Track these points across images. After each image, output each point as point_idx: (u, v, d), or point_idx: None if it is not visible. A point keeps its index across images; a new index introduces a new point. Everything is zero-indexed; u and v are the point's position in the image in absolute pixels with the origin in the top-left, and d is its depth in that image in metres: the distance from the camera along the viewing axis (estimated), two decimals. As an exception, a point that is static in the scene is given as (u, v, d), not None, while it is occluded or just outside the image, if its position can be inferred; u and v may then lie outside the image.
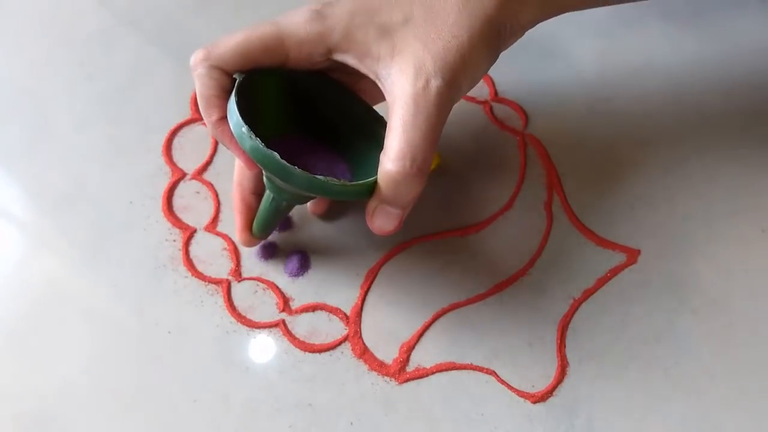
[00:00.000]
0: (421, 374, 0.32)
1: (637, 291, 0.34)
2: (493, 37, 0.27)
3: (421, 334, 0.33)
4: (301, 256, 0.35)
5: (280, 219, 0.33)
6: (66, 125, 0.40)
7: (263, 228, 0.33)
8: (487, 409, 0.31)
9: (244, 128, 0.26)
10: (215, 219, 0.36)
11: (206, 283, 0.34)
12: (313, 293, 0.34)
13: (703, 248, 0.35)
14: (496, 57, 0.28)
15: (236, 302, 0.34)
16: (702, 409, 0.31)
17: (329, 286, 0.34)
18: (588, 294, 0.34)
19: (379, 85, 0.27)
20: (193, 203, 0.37)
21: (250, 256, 0.35)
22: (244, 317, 0.33)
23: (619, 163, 0.38)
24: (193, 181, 0.38)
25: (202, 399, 0.31)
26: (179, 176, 0.38)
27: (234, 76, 0.28)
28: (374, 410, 0.31)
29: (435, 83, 0.25)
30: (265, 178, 0.30)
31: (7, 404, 0.31)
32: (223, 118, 0.27)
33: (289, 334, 0.33)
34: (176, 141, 0.39)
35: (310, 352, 0.32)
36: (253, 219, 0.33)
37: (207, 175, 0.38)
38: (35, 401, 0.31)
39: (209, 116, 0.28)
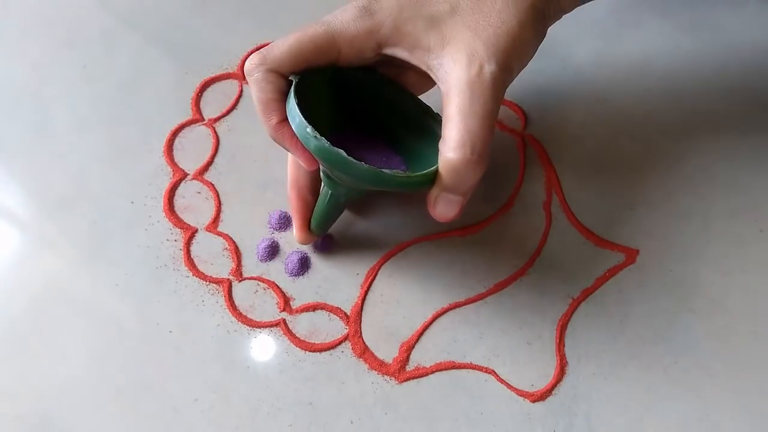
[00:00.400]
0: (421, 373, 0.32)
1: (636, 291, 0.34)
2: (538, 20, 0.28)
3: (420, 334, 0.33)
4: (301, 256, 0.35)
5: (338, 215, 0.33)
6: (67, 125, 0.40)
7: (322, 224, 0.33)
8: (486, 408, 0.31)
9: (309, 128, 0.26)
10: (216, 219, 0.36)
11: (207, 282, 0.34)
12: (314, 293, 0.34)
13: (701, 248, 0.35)
14: (542, 40, 0.29)
15: (237, 302, 0.34)
16: (701, 408, 0.31)
17: (329, 286, 0.34)
18: (587, 294, 0.34)
19: (432, 75, 0.28)
20: (194, 203, 0.37)
21: (251, 256, 0.35)
22: (245, 317, 0.33)
23: (618, 164, 0.38)
24: (194, 181, 0.38)
25: (202, 398, 0.31)
26: (180, 176, 0.38)
27: (290, 77, 0.29)
28: (374, 409, 0.31)
29: (489, 68, 0.26)
30: (322, 175, 0.30)
31: (7, 404, 0.31)
32: (283, 121, 0.28)
33: (289, 333, 0.33)
34: (177, 141, 0.39)
35: (310, 351, 0.32)
36: (311, 217, 0.33)
37: (208, 175, 0.38)
38: (35, 401, 0.31)
39: (269, 119, 0.28)
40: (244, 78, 0.42)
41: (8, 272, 0.35)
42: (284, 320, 0.33)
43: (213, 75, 0.42)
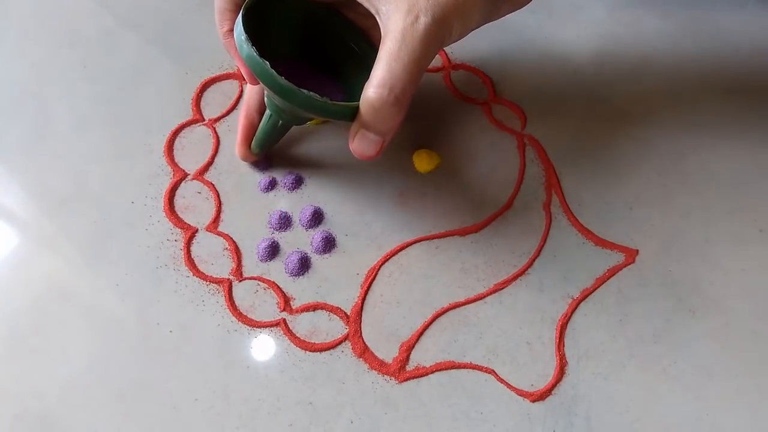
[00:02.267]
0: (421, 373, 0.32)
1: (636, 290, 0.34)
2: None
3: (420, 334, 0.33)
4: (301, 256, 0.35)
5: (277, 138, 0.35)
6: (67, 126, 0.40)
7: (260, 144, 0.35)
8: (486, 408, 0.31)
9: (244, 36, 0.27)
10: (216, 219, 0.36)
11: (207, 282, 0.34)
12: (314, 293, 0.34)
13: (701, 248, 0.35)
14: (492, 13, 0.30)
15: (237, 302, 0.34)
16: (700, 408, 0.31)
17: (329, 286, 0.34)
18: (586, 293, 0.34)
19: (378, 20, 0.29)
20: (195, 203, 0.37)
21: (251, 256, 0.35)
22: (245, 317, 0.33)
23: (617, 164, 0.38)
24: (195, 181, 0.38)
25: (203, 398, 0.31)
26: (181, 176, 0.38)
27: None
28: (374, 409, 0.31)
29: (424, 20, 0.27)
30: (266, 97, 0.33)
31: (7, 404, 0.31)
32: (231, 31, 0.30)
33: (289, 333, 0.33)
34: (178, 141, 0.39)
35: (310, 351, 0.32)
36: (253, 136, 0.36)
37: (208, 175, 0.38)
38: (35, 401, 0.31)
39: (221, 27, 0.31)
40: (244, 79, 0.42)
41: (8, 272, 0.35)
42: (284, 320, 0.33)
43: (213, 75, 0.42)
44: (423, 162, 0.38)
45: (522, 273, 0.35)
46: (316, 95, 0.27)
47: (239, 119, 0.36)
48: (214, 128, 0.40)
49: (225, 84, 0.42)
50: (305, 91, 0.27)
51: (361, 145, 0.29)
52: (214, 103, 0.41)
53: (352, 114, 0.28)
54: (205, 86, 0.41)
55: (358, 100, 0.28)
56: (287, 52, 0.28)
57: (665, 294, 0.34)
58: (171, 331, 0.33)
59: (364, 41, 0.34)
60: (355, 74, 0.34)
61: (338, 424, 0.30)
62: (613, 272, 0.34)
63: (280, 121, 0.33)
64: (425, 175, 0.38)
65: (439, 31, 0.27)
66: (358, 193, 0.37)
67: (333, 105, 0.28)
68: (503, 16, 0.31)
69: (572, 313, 0.33)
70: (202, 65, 0.42)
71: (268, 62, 0.27)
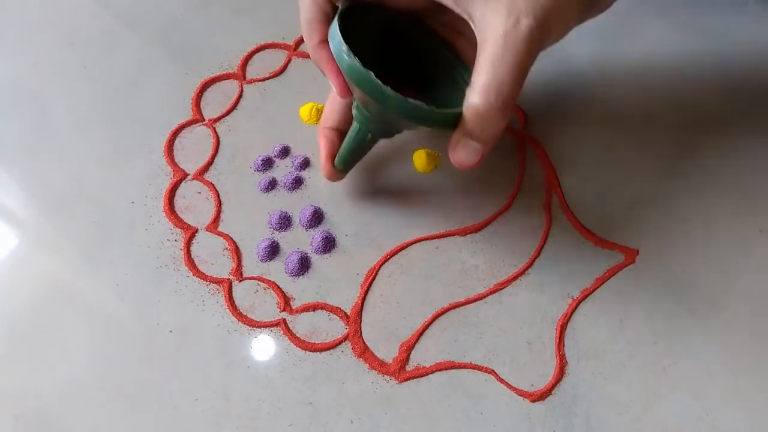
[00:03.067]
0: (421, 373, 0.32)
1: (636, 290, 0.34)
2: None
3: (420, 334, 0.33)
4: (301, 256, 0.35)
5: (363, 153, 0.34)
6: (68, 126, 0.40)
7: (346, 161, 0.34)
8: (486, 408, 0.31)
9: (344, 47, 0.27)
10: (216, 219, 0.36)
11: (207, 282, 0.34)
12: (314, 293, 0.34)
13: (701, 248, 0.35)
14: (587, 13, 0.29)
15: (237, 302, 0.34)
16: (700, 408, 0.31)
17: (329, 286, 0.34)
18: (587, 293, 0.34)
19: (471, 25, 0.28)
20: (195, 203, 0.37)
21: (251, 256, 0.35)
22: (245, 317, 0.33)
23: (617, 164, 0.38)
24: (195, 181, 0.38)
25: (203, 398, 0.31)
26: (181, 176, 0.38)
27: (337, 4, 0.30)
28: (374, 409, 0.31)
29: (525, 22, 0.26)
30: (354, 109, 0.31)
31: (8, 404, 0.31)
32: (323, 42, 0.29)
33: (289, 333, 0.33)
34: (178, 141, 0.39)
35: (310, 351, 0.32)
36: (336, 153, 0.34)
37: (208, 175, 0.38)
38: (35, 401, 0.31)
39: (310, 39, 0.29)
40: (244, 78, 0.42)
41: (8, 272, 0.35)
42: (284, 320, 0.33)
43: (213, 75, 0.42)
44: (423, 162, 0.38)
45: (522, 273, 0.35)
46: (423, 104, 0.26)
47: (319, 138, 0.35)
48: (214, 128, 0.40)
49: (225, 84, 0.42)
50: (413, 100, 0.26)
51: (463, 153, 0.28)
52: (214, 103, 0.41)
53: (456, 122, 0.27)
54: (205, 86, 0.42)
55: (444, 108, 0.27)
56: (368, 61, 0.27)
57: (665, 294, 0.34)
58: (171, 331, 0.33)
59: (447, 50, 0.33)
60: (437, 83, 0.33)
61: (338, 424, 0.30)
62: (613, 272, 0.34)
63: (370, 135, 0.32)
64: (425, 175, 0.38)
65: (541, 33, 0.26)
66: (358, 193, 0.37)
67: (439, 113, 0.27)
68: (594, 17, 0.31)
69: (572, 313, 0.33)
70: (202, 65, 0.42)
71: (372, 72, 0.26)
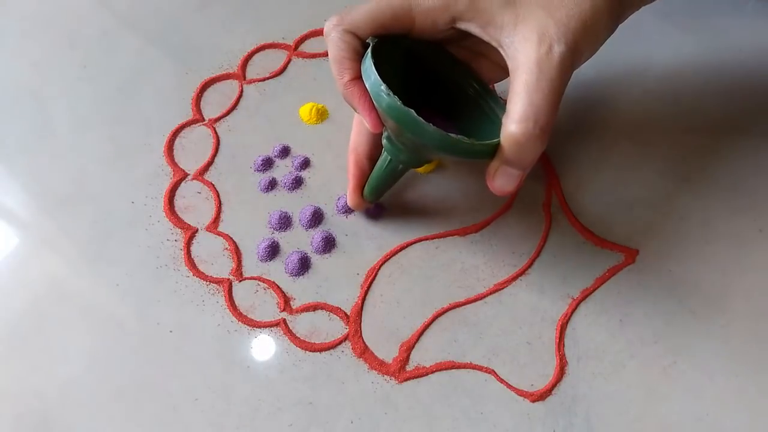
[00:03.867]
0: (421, 373, 0.32)
1: (636, 291, 0.34)
2: (614, 7, 0.28)
3: (420, 334, 0.33)
4: (301, 256, 0.35)
5: (393, 183, 0.34)
6: (68, 126, 0.40)
7: (375, 190, 0.34)
8: (486, 408, 0.31)
9: (383, 86, 0.27)
10: (216, 219, 0.36)
11: (207, 282, 0.34)
12: (314, 293, 0.34)
13: (701, 248, 0.35)
14: (616, 27, 0.30)
15: (237, 302, 0.34)
16: (700, 408, 0.31)
17: (330, 286, 0.34)
18: (586, 294, 0.34)
19: (502, 52, 0.28)
20: (195, 203, 0.37)
21: (251, 256, 0.35)
22: (245, 317, 0.33)
23: (617, 164, 0.38)
24: (195, 181, 0.38)
25: (203, 398, 0.31)
26: (181, 176, 0.38)
27: (367, 41, 0.30)
28: (374, 409, 0.31)
29: (558, 49, 0.26)
30: (384, 140, 0.31)
31: (8, 404, 0.31)
32: (354, 80, 0.29)
33: (289, 333, 0.33)
34: (178, 141, 0.39)
35: (310, 351, 0.32)
36: (365, 183, 0.34)
37: (208, 176, 0.38)
38: (36, 401, 0.31)
39: (341, 77, 0.29)
40: (244, 78, 0.42)
41: (8, 272, 0.35)
42: (284, 320, 0.33)
43: (213, 75, 0.42)
44: (423, 162, 0.38)
45: (522, 273, 0.35)
46: (464, 138, 0.27)
47: (349, 168, 0.34)
48: (214, 128, 0.40)
49: (225, 84, 0.42)
50: (453, 135, 0.26)
51: (503, 181, 0.28)
52: (214, 103, 0.41)
53: (493, 152, 0.28)
54: (205, 86, 0.42)
55: (471, 137, 0.27)
56: (395, 91, 0.27)
57: (665, 294, 0.34)
58: (171, 331, 0.33)
59: (470, 76, 0.32)
60: (462, 111, 0.33)
61: (338, 424, 0.30)
62: (613, 272, 0.34)
63: (401, 166, 0.32)
64: (425, 175, 0.38)
65: (573, 57, 0.27)
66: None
67: (480, 146, 0.27)
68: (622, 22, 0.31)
69: (572, 313, 0.33)
70: (202, 65, 0.42)
71: (413, 110, 0.26)
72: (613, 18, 0.29)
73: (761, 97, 0.41)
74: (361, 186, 0.34)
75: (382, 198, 0.35)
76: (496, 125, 0.28)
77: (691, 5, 0.45)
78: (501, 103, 0.31)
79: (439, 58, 0.32)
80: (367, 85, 0.28)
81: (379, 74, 0.27)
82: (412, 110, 0.26)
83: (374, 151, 0.34)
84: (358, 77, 0.29)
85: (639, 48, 0.43)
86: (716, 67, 0.42)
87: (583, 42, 0.27)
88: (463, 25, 0.29)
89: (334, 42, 0.29)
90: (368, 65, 0.28)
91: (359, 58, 0.29)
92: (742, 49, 0.43)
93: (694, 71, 0.42)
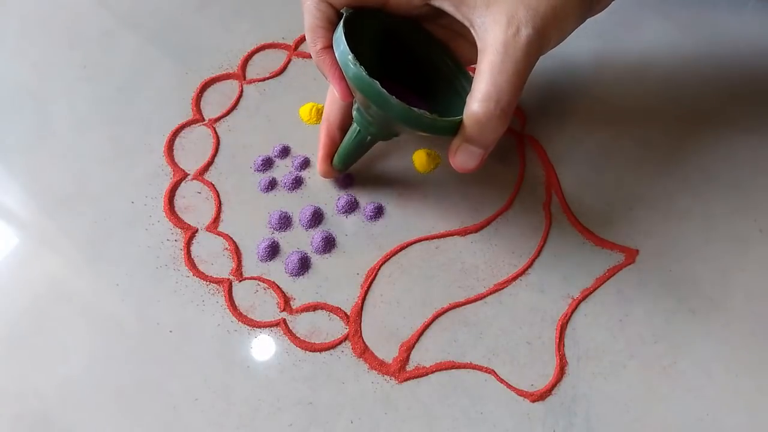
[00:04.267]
0: (421, 373, 0.32)
1: (636, 290, 0.34)
2: None
3: (420, 334, 0.33)
4: (301, 256, 0.35)
5: (361, 154, 0.35)
6: (67, 126, 0.40)
7: (344, 160, 0.35)
8: (486, 408, 0.31)
9: (350, 56, 0.27)
10: (216, 219, 0.36)
11: (207, 282, 0.34)
12: (314, 293, 0.34)
13: (701, 248, 0.35)
14: (586, 17, 0.30)
15: (237, 302, 0.34)
16: (700, 408, 0.31)
17: (330, 286, 0.34)
18: (587, 293, 0.34)
19: (472, 32, 0.29)
20: (195, 203, 0.37)
21: (251, 256, 0.35)
22: (245, 317, 0.33)
23: (617, 164, 0.38)
24: (195, 181, 0.38)
25: (203, 398, 0.31)
26: (181, 176, 0.38)
27: (341, 11, 0.30)
28: (374, 409, 0.31)
29: (525, 32, 0.27)
30: (354, 111, 0.32)
31: (8, 404, 0.31)
32: (327, 48, 0.29)
33: (289, 333, 0.33)
34: (178, 141, 0.39)
35: (310, 351, 0.32)
36: (335, 152, 0.35)
37: (208, 175, 0.38)
38: (36, 401, 0.31)
39: (314, 45, 0.30)
40: (244, 78, 0.42)
41: (8, 272, 0.35)
42: (284, 320, 0.33)
43: (213, 75, 0.42)
44: (423, 162, 0.38)
45: (522, 273, 0.35)
46: (426, 113, 0.27)
47: (320, 136, 0.35)
48: (214, 128, 0.40)
49: (225, 84, 0.42)
50: (416, 109, 0.27)
51: (463, 158, 0.29)
52: (214, 103, 0.41)
53: (456, 129, 0.28)
54: (205, 86, 0.42)
55: (442, 114, 0.28)
56: (369, 65, 0.27)
57: (665, 294, 0.34)
58: (171, 331, 0.33)
59: (447, 56, 0.33)
60: (436, 88, 0.33)
61: (338, 424, 0.30)
62: (613, 272, 0.34)
63: (369, 137, 0.32)
64: (425, 175, 0.38)
65: (540, 42, 0.27)
66: (358, 192, 0.37)
67: (442, 122, 0.28)
68: (594, 15, 0.31)
69: (572, 313, 0.33)
70: (202, 65, 0.42)
71: (378, 82, 0.27)
72: (584, 8, 0.29)
73: (761, 96, 0.41)
74: (330, 155, 0.35)
75: (351, 168, 0.36)
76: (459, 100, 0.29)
77: (690, 5, 0.45)
78: (471, 78, 0.31)
79: (415, 36, 0.33)
80: (336, 54, 0.28)
81: (352, 46, 0.28)
82: (377, 82, 0.27)
83: (345, 121, 0.35)
84: (329, 46, 0.29)
85: (639, 47, 0.43)
86: (716, 67, 0.42)
87: (551, 28, 0.27)
88: (437, 3, 0.29)
89: (309, 10, 0.30)
90: (339, 35, 0.28)
91: (332, 27, 0.30)
92: (742, 49, 0.43)
93: (694, 71, 0.42)
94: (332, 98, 0.35)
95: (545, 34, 0.27)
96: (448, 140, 0.29)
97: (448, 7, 0.29)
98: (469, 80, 0.32)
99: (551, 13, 0.27)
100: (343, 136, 0.34)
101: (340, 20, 0.29)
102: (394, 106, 0.27)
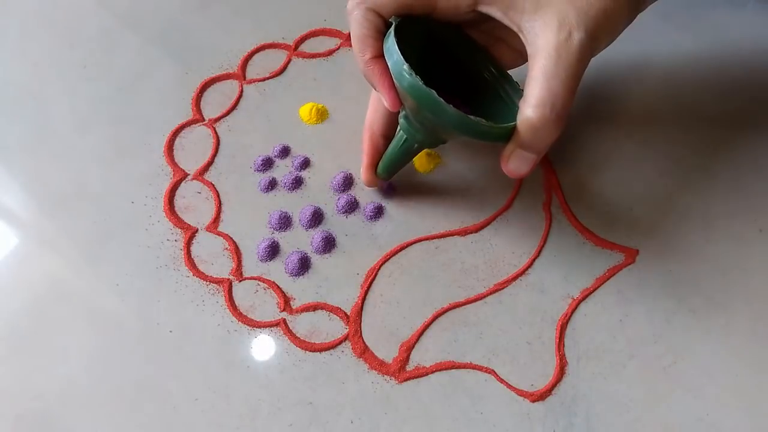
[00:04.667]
0: (421, 373, 0.32)
1: (636, 290, 0.34)
2: None
3: (420, 334, 0.33)
4: (301, 256, 0.35)
5: (406, 161, 0.34)
6: (68, 126, 0.40)
7: (389, 168, 0.34)
8: (486, 408, 0.31)
9: (405, 66, 0.27)
10: (216, 219, 0.36)
11: (207, 282, 0.34)
12: (314, 293, 0.34)
13: (701, 248, 0.35)
14: (635, 16, 0.30)
15: (237, 302, 0.34)
16: (700, 408, 0.31)
17: (330, 286, 0.34)
18: (587, 293, 0.34)
19: (522, 37, 0.28)
20: (195, 203, 0.37)
21: (251, 256, 0.35)
22: (245, 317, 0.33)
23: (617, 164, 0.38)
24: (195, 181, 0.38)
25: (203, 398, 0.31)
26: (181, 176, 0.38)
27: (390, 20, 0.30)
28: (374, 409, 0.31)
29: (578, 35, 0.27)
30: (402, 119, 0.32)
31: (8, 404, 0.31)
32: (375, 58, 0.29)
33: (289, 333, 0.33)
34: (178, 141, 0.39)
35: (310, 351, 0.32)
36: (378, 161, 0.35)
37: (208, 175, 0.38)
38: (36, 401, 0.31)
39: (363, 54, 0.29)
40: (244, 78, 0.42)
41: (8, 272, 0.35)
42: (284, 320, 0.33)
43: (213, 75, 0.42)
44: (423, 162, 0.38)
45: (522, 273, 0.35)
46: (483, 120, 0.27)
47: (364, 146, 0.35)
48: (214, 128, 0.40)
49: (225, 84, 0.42)
50: (473, 117, 0.27)
51: (516, 164, 0.29)
52: (214, 103, 0.41)
53: (509, 136, 0.28)
54: (205, 86, 0.42)
55: (485, 119, 0.27)
56: (414, 71, 0.27)
57: (665, 294, 0.34)
58: (171, 331, 0.33)
59: (488, 60, 0.33)
60: (479, 94, 0.33)
61: (338, 424, 0.30)
62: (613, 272, 0.34)
63: (416, 145, 0.32)
64: (425, 175, 0.38)
65: (592, 45, 0.27)
66: (358, 193, 0.37)
67: (497, 128, 0.28)
68: (643, 10, 0.31)
69: (572, 313, 0.33)
70: (202, 65, 0.42)
71: (434, 91, 0.27)
72: (632, 7, 0.29)
73: (761, 96, 0.41)
74: (375, 163, 0.35)
75: (394, 177, 0.36)
76: (512, 110, 0.29)
77: (690, 5, 0.45)
78: (517, 89, 0.32)
79: (459, 42, 0.32)
80: (389, 64, 0.28)
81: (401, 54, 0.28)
82: (434, 91, 0.26)
83: (389, 129, 0.34)
84: (379, 55, 0.29)
85: (639, 47, 0.43)
86: (716, 67, 0.42)
87: (602, 30, 0.27)
88: (484, 9, 0.29)
89: (356, 20, 0.29)
90: (391, 44, 0.28)
91: (381, 36, 0.29)
92: (741, 49, 0.43)
93: (694, 71, 0.42)
94: (376, 106, 0.35)
95: (596, 36, 0.27)
96: (493, 145, 0.29)
97: (496, 13, 0.29)
98: (513, 86, 0.32)
99: (602, 15, 0.27)
100: (387, 145, 0.34)
101: (389, 29, 0.29)
102: (452, 114, 0.27)
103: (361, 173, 0.36)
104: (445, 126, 0.28)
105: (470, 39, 0.33)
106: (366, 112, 0.35)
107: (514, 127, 0.28)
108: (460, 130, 0.28)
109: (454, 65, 0.33)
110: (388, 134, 0.34)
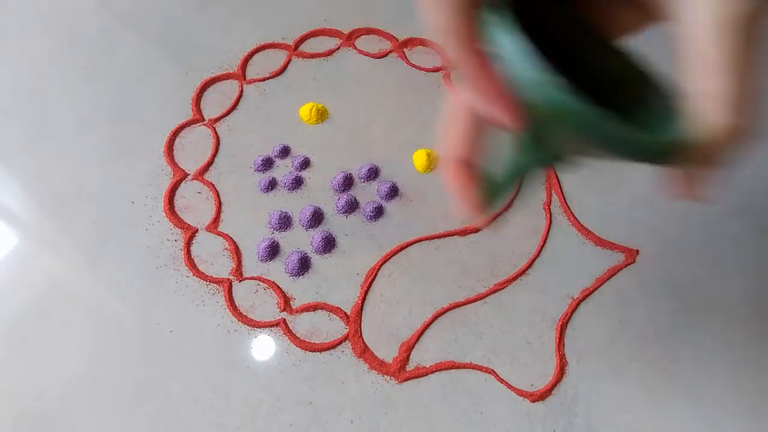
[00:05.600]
0: (421, 373, 0.32)
1: (636, 291, 0.34)
2: None
3: (420, 334, 0.33)
4: (301, 256, 0.35)
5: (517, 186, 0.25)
6: (68, 126, 0.40)
7: (501, 197, 0.25)
8: (486, 408, 0.31)
9: (549, 77, 0.18)
10: (216, 219, 0.36)
11: (207, 282, 0.34)
12: (314, 293, 0.34)
13: (701, 249, 0.35)
14: None
15: (237, 302, 0.34)
16: (700, 407, 0.31)
17: (330, 286, 0.34)
18: (587, 293, 0.34)
19: (665, 10, 0.21)
20: (195, 203, 0.37)
21: (251, 256, 0.35)
22: (245, 317, 0.33)
23: (617, 165, 0.38)
24: (195, 181, 0.38)
25: (203, 398, 0.31)
26: (181, 176, 0.38)
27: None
28: (374, 409, 0.31)
29: (749, 6, 0.18)
30: (518, 140, 0.23)
31: (8, 404, 0.31)
32: (485, 61, 0.21)
33: (289, 333, 0.33)
34: (178, 141, 0.39)
35: (310, 351, 0.32)
36: (476, 191, 0.25)
37: (208, 176, 0.38)
38: (36, 401, 0.31)
39: (467, 55, 0.21)
40: (244, 78, 0.42)
41: (8, 272, 0.35)
42: (284, 320, 0.33)
43: (213, 75, 0.42)
44: (423, 162, 0.38)
45: (522, 273, 0.35)
46: (658, 138, 0.19)
47: (455, 180, 0.26)
48: (214, 128, 0.40)
49: (225, 84, 0.42)
50: (649, 136, 0.19)
51: (704, 187, 0.21)
52: (214, 103, 0.41)
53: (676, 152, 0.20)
54: (205, 86, 0.41)
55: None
56: None
57: (665, 294, 0.34)
58: (171, 331, 0.33)
59: (614, 53, 0.24)
60: (606, 94, 0.24)
61: (338, 423, 0.30)
62: (613, 272, 0.34)
63: (537, 166, 0.24)
64: (425, 175, 0.38)
65: (764, 17, 0.18)
66: (358, 193, 0.37)
67: (672, 146, 0.20)
68: None
69: (572, 313, 0.33)
70: (202, 65, 0.42)
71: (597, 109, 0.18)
72: None
73: (761, 96, 0.40)
74: (478, 198, 0.26)
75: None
76: (649, 106, 0.22)
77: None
78: (653, 74, 0.23)
79: (563, 21, 0.23)
80: (510, 67, 0.19)
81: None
82: (598, 109, 0.18)
83: (479, 152, 0.26)
84: (484, 55, 0.20)
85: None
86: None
87: None
88: None
89: (444, 6, 0.20)
90: (508, 40, 0.19)
91: (474, 29, 0.20)
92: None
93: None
94: (468, 125, 0.25)
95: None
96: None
97: None
98: (652, 85, 0.23)
99: None
100: (479, 171, 0.25)
101: (493, 16, 0.19)
102: (629, 140, 0.19)
103: (471, 214, 0.26)
104: (602, 142, 0.20)
105: (580, 17, 0.23)
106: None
107: (689, 142, 0.20)
108: (628, 155, 0.20)
109: (560, 52, 0.23)
110: (476, 158, 0.25)
